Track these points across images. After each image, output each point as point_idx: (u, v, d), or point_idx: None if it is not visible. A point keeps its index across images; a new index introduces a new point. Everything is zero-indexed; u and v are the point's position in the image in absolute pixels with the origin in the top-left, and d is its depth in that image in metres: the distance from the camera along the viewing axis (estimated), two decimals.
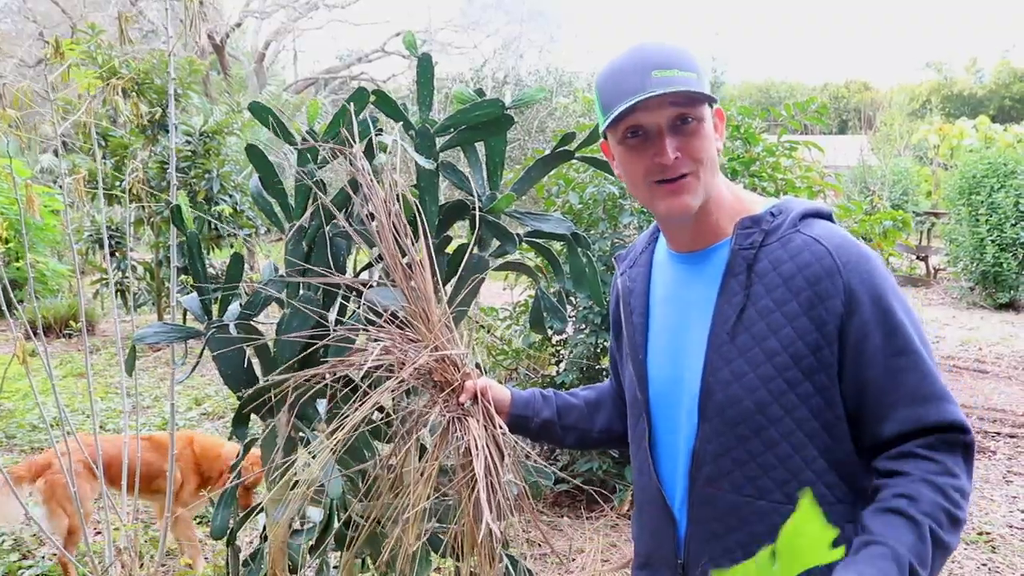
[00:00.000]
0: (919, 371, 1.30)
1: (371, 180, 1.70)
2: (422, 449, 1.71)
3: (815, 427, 1.34)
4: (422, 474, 1.55)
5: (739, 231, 1.39)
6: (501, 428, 1.56)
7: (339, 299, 1.94)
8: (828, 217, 1.41)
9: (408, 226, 1.70)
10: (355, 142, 1.77)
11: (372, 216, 1.73)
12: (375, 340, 1.63)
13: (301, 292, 1.86)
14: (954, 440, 1.28)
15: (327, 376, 1.72)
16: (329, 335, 1.84)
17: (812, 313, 1.31)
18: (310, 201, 1.92)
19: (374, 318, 1.68)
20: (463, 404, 1.57)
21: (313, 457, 1.83)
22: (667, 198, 1.37)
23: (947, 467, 1.26)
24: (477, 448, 1.48)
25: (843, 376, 1.32)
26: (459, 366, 1.59)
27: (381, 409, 1.83)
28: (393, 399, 1.63)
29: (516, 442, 1.60)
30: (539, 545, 4.08)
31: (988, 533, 4.48)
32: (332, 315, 1.93)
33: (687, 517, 1.47)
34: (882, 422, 1.31)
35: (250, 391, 1.91)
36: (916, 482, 1.26)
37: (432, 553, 2.00)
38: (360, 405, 1.60)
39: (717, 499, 1.41)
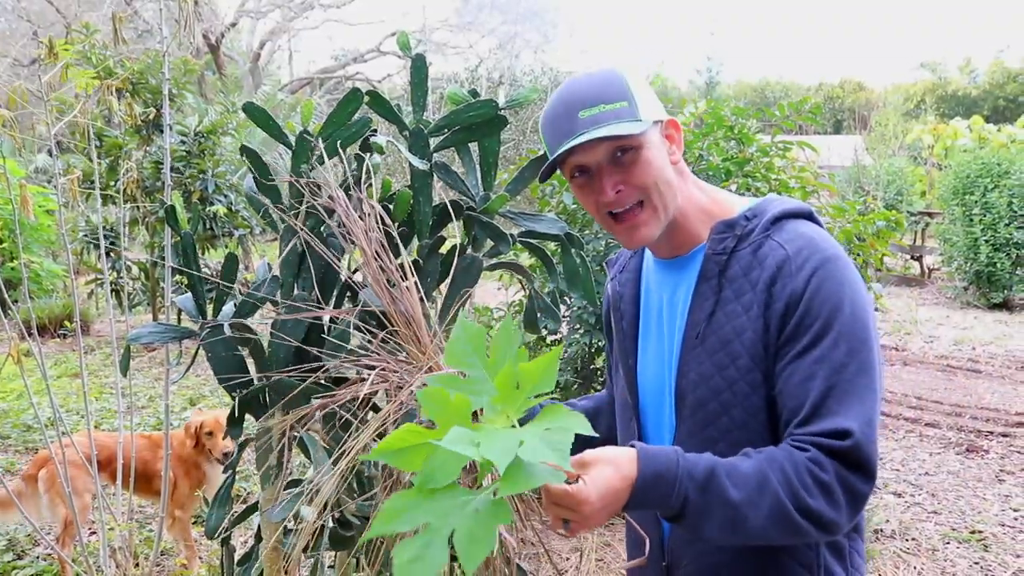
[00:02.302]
0: (830, 382, 1.24)
1: (349, 211, 1.70)
2: None
3: (779, 432, 1.33)
4: None
5: (713, 236, 1.40)
6: None
7: (334, 301, 1.95)
8: (807, 215, 1.40)
9: (388, 248, 1.69)
10: (336, 167, 1.77)
11: (349, 238, 1.73)
12: (369, 367, 1.61)
13: (295, 293, 1.87)
14: (830, 447, 1.20)
15: (325, 381, 1.72)
16: (323, 335, 1.85)
17: (766, 315, 1.31)
18: (305, 201, 1.92)
19: (371, 324, 1.68)
20: None
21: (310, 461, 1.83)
22: (624, 234, 1.40)
23: (816, 458, 1.20)
24: None
25: (775, 376, 1.31)
26: None
27: (377, 409, 1.83)
28: (395, 421, 1.62)
29: None
30: (532, 544, 4.09)
31: (981, 532, 4.50)
32: (327, 317, 1.94)
33: None
34: (781, 430, 1.29)
35: (245, 392, 1.92)
36: (775, 448, 1.25)
37: None
38: (360, 434, 1.58)
39: None
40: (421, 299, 1.64)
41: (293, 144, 1.88)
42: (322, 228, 1.88)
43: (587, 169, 1.37)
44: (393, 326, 1.62)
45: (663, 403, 1.49)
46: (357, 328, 1.78)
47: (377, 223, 1.71)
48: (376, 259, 1.65)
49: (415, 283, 1.65)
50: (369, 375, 1.59)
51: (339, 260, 1.92)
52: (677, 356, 1.43)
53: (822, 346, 1.25)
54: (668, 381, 1.46)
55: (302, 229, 1.85)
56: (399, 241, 1.76)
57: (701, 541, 1.42)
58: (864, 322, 1.27)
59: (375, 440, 1.63)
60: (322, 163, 1.89)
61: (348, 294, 1.97)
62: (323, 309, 1.92)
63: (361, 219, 1.71)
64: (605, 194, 1.35)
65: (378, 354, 1.63)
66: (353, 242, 1.71)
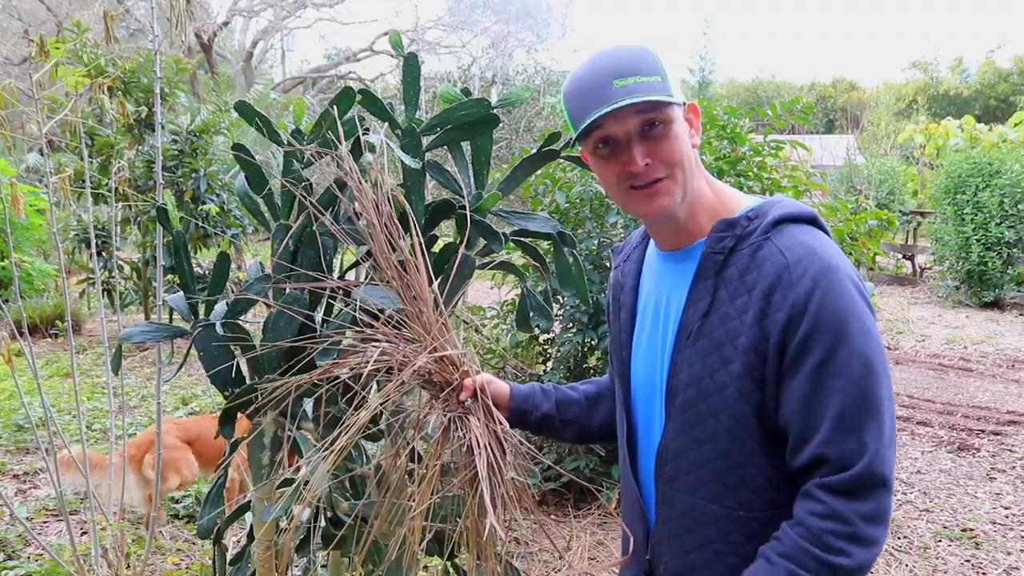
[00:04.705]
0: (848, 397, 1.24)
1: (359, 180, 1.70)
2: (416, 450, 1.71)
3: (764, 438, 1.33)
4: (423, 478, 1.54)
5: (713, 234, 1.38)
6: (501, 423, 1.56)
7: (326, 299, 1.94)
8: (810, 220, 1.38)
9: (399, 224, 1.70)
10: (341, 142, 1.77)
11: (359, 216, 1.72)
12: (372, 341, 1.61)
13: (287, 291, 1.87)
14: (851, 483, 1.23)
15: (319, 377, 1.71)
16: (316, 334, 1.84)
17: (763, 324, 1.29)
18: (297, 200, 1.92)
19: (368, 318, 1.67)
20: (463, 402, 1.56)
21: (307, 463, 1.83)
22: (642, 202, 1.37)
23: (832, 509, 1.23)
24: (479, 447, 1.48)
25: (780, 392, 1.30)
26: (458, 365, 1.58)
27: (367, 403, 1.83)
28: (391, 401, 1.61)
29: (518, 439, 1.59)
30: (526, 543, 4.09)
31: (972, 530, 4.52)
32: (319, 315, 1.93)
33: (655, 515, 1.50)
34: (798, 450, 1.28)
35: (237, 391, 1.91)
36: (792, 524, 1.27)
37: (422, 552, 2.00)
38: (359, 411, 1.58)
39: (676, 499, 1.44)
40: (429, 278, 1.64)
41: (285, 143, 1.88)
42: (315, 227, 1.88)
43: (613, 140, 1.35)
44: (399, 306, 1.62)
45: (653, 398, 1.49)
46: (351, 324, 1.78)
47: (388, 198, 1.70)
48: (385, 234, 1.64)
49: (424, 260, 1.64)
50: (368, 350, 1.58)
51: (332, 258, 1.92)
52: (669, 353, 1.43)
53: (836, 361, 1.24)
54: (659, 377, 1.46)
55: (311, 203, 1.85)
56: (411, 214, 1.75)
57: (678, 539, 1.45)
58: (871, 332, 1.26)
59: (371, 423, 1.63)
60: (316, 161, 1.89)
61: (340, 295, 1.97)
62: (319, 302, 1.91)
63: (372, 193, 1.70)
64: (634, 163, 1.32)
65: (383, 327, 1.62)
66: (358, 215, 1.70)
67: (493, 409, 1.56)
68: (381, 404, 1.57)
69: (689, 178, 1.37)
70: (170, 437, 4.31)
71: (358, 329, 1.67)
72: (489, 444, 1.49)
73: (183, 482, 4.38)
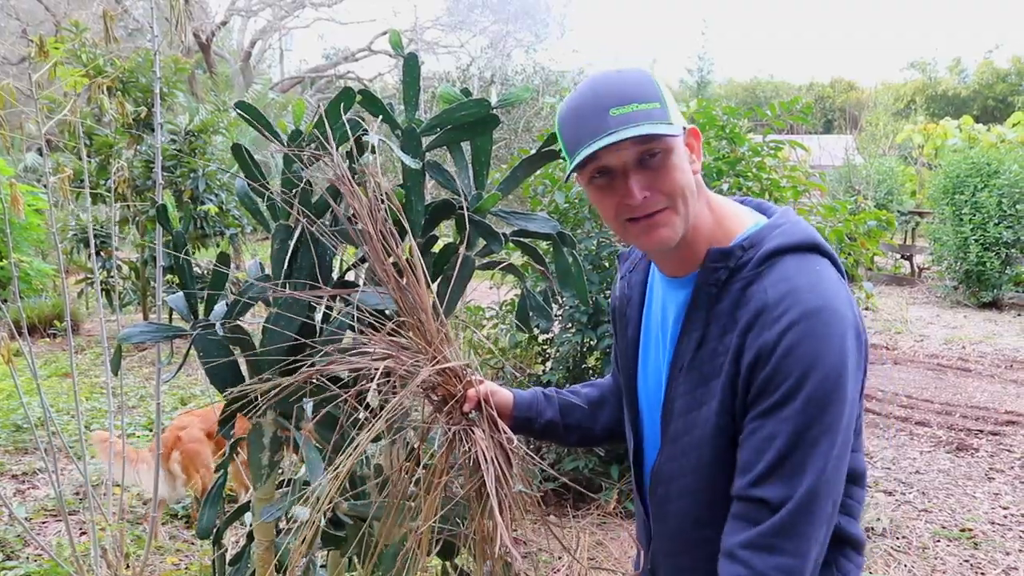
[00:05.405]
0: (789, 444, 1.21)
1: (353, 188, 1.67)
2: (416, 451, 1.70)
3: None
4: (428, 488, 1.53)
5: (707, 264, 1.33)
6: (506, 433, 1.53)
7: (325, 301, 1.94)
8: (810, 248, 1.32)
9: (395, 233, 1.68)
10: (333, 147, 1.75)
11: (354, 221, 1.71)
12: (374, 354, 1.59)
13: (285, 296, 1.86)
14: (781, 520, 1.22)
15: (319, 376, 1.70)
16: (316, 336, 1.84)
17: (738, 361, 1.27)
18: (296, 201, 1.92)
19: (368, 327, 1.66)
20: (467, 414, 1.53)
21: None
22: (641, 235, 1.32)
23: (765, 541, 1.22)
24: (486, 460, 1.45)
25: (743, 424, 1.29)
26: (461, 377, 1.55)
27: (370, 409, 1.82)
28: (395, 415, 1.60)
29: (521, 447, 1.58)
30: (525, 543, 4.09)
31: (970, 530, 4.52)
32: (318, 316, 1.93)
33: (653, 531, 1.53)
34: (738, 477, 1.27)
35: (236, 391, 1.91)
36: (723, 557, 1.27)
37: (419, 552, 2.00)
38: (360, 414, 1.57)
39: (667, 521, 1.45)
40: (428, 286, 1.62)
41: (285, 143, 1.87)
42: (314, 227, 1.88)
43: (610, 171, 1.29)
44: (399, 317, 1.60)
45: (656, 419, 1.48)
46: (350, 326, 1.77)
47: (383, 202, 1.67)
48: (382, 242, 1.61)
49: (423, 269, 1.62)
50: (370, 362, 1.56)
51: (332, 259, 1.92)
52: (665, 381, 1.42)
53: (790, 407, 1.21)
54: (659, 400, 1.46)
55: (302, 213, 1.84)
56: (405, 222, 1.73)
57: (672, 556, 1.49)
58: (837, 381, 1.21)
59: (383, 434, 1.62)
60: (314, 163, 1.89)
61: (339, 298, 1.96)
62: (317, 303, 1.91)
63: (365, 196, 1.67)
64: (632, 196, 1.27)
65: (384, 338, 1.59)
66: (353, 220, 1.68)
67: (497, 419, 1.54)
68: (386, 421, 1.54)
69: (691, 208, 1.32)
70: (195, 430, 4.22)
71: (360, 343, 1.64)
72: (495, 457, 1.47)
73: (206, 481, 4.20)
